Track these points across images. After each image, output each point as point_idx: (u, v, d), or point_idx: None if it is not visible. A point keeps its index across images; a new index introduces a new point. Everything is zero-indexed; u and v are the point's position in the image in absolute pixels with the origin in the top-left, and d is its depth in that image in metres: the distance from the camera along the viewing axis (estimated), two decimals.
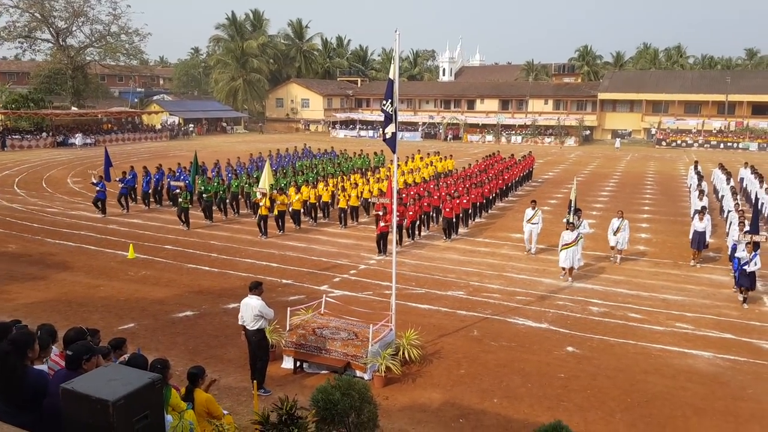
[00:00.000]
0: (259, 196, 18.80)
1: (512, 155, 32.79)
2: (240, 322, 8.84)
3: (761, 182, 22.67)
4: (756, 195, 21.28)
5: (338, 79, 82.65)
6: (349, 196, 20.41)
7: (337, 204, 20.70)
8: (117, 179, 22.59)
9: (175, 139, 59.01)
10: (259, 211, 18.69)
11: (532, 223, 16.92)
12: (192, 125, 65.84)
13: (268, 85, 74.11)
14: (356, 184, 21.61)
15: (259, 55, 71.68)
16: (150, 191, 23.63)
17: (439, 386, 9.09)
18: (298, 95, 74.64)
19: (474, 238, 19.12)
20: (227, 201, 21.94)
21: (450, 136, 64.81)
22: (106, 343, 6.31)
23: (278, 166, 27.55)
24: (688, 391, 9.00)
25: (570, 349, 10.56)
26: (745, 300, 12.87)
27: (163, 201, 24.07)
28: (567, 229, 14.53)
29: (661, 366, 9.90)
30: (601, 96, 64.20)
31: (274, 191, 19.21)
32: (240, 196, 22.66)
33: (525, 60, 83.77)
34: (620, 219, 16.06)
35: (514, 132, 64.20)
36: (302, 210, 20.28)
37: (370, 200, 20.56)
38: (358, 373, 9.02)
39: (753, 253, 12.65)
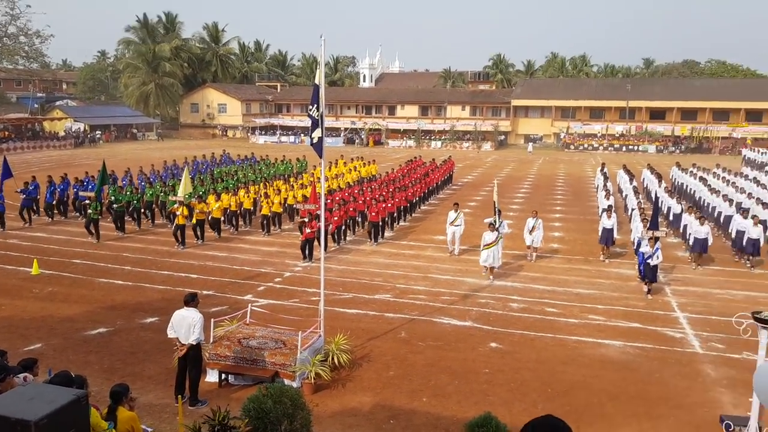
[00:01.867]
0: (176, 205, 18.11)
1: (433, 160, 33.51)
2: (171, 335, 8.47)
3: (660, 182, 24.45)
4: (656, 194, 22.93)
5: (257, 83, 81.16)
6: (272, 203, 20.10)
7: (260, 211, 20.31)
8: (18, 190, 21.03)
9: (80, 147, 55.70)
10: (176, 220, 18.01)
11: (455, 225, 17.38)
12: (99, 132, 62.43)
13: (183, 89, 71.56)
14: (279, 191, 21.33)
15: (172, 58, 69.03)
16: (54, 202, 22.17)
17: (369, 390, 9.13)
18: (214, 100, 72.56)
19: (399, 241, 19.37)
20: (141, 210, 20.99)
21: (360, 141, 65.10)
22: (15, 364, 5.88)
23: (195, 173, 26.70)
24: (603, 379, 9.56)
25: (493, 345, 10.93)
26: (649, 291, 13.83)
27: (68, 212, 22.68)
28: (489, 229, 15.05)
29: (577, 356, 10.45)
30: (515, 102, 66.99)
31: (193, 199, 18.59)
32: (154, 206, 21.73)
33: (442, 67, 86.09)
34: (535, 218, 16.83)
35: (433, 137, 65.66)
36: (222, 218, 19.75)
37: (294, 206, 20.35)
38: (287, 382, 8.89)
39: (655, 247, 13.63)
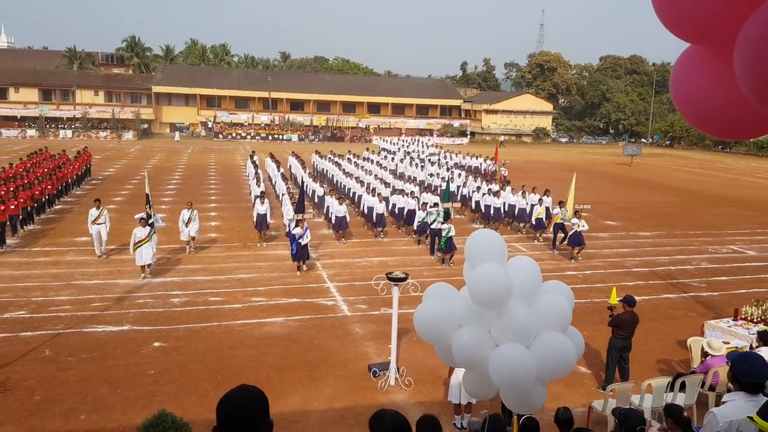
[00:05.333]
0: None
1: (63, 151, 29.43)
2: None
3: (304, 168, 26.73)
4: (301, 179, 25.01)
5: None
6: None
7: None
8: None
9: None
10: None
11: (99, 224, 15.73)
12: None
13: None
14: None
15: None
16: None
17: (10, 422, 7.63)
18: None
19: (29, 248, 16.53)
20: None
21: None
22: None
23: None
24: (269, 355, 10.07)
25: (157, 344, 10.37)
26: (299, 268, 15.06)
27: None
28: (140, 225, 14.07)
29: (244, 339, 10.74)
30: (156, 89, 63.85)
31: None
32: None
33: (65, 46, 75.74)
34: (190, 210, 16.48)
35: (62, 125, 57.67)
36: None
37: None
38: None
39: (305, 227, 14.87)
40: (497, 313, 3.96)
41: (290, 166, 29.46)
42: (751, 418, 3.39)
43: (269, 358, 9.95)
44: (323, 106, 70.15)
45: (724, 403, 4.05)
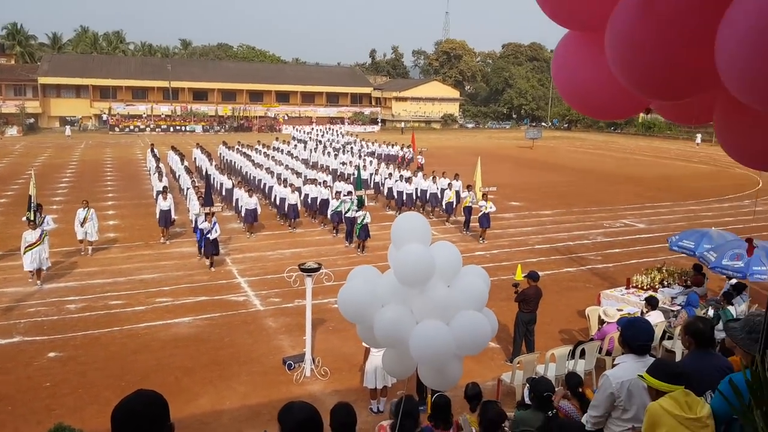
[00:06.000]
0: None
1: None
2: None
3: (210, 160, 25.77)
4: (207, 171, 24.09)
5: None
6: None
7: None
8: None
9: None
10: None
11: None
12: None
13: None
14: None
15: None
16: None
17: None
18: None
19: None
20: None
21: None
22: None
23: None
24: (177, 357, 9.64)
25: (52, 354, 9.65)
26: (211, 264, 14.54)
27: None
28: (29, 228, 13.00)
29: (149, 342, 10.22)
30: (42, 80, 59.16)
31: None
32: None
33: None
34: (86, 209, 15.44)
35: None
36: None
37: None
38: None
39: (213, 222, 14.35)
40: (419, 292, 4.06)
41: (195, 158, 28.31)
42: (641, 376, 3.62)
43: (177, 360, 9.53)
44: (228, 96, 67.92)
45: (616, 365, 4.31)
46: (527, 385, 5.56)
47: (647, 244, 17.48)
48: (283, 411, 2.98)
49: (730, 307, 8.94)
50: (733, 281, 10.02)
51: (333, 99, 74.53)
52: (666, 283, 11.58)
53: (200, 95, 67.41)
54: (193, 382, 8.81)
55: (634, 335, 4.21)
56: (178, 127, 61.07)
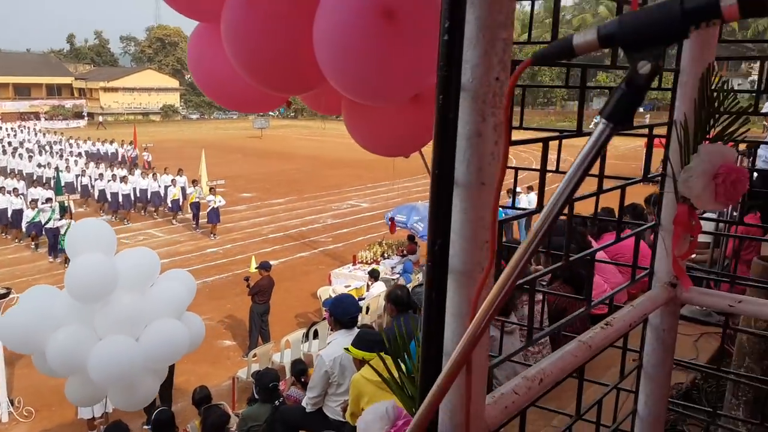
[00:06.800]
0: None
1: None
2: None
3: None
4: None
5: None
6: None
7: None
8: None
9: None
10: None
11: None
12: None
13: None
14: None
15: None
16: None
17: None
18: None
19: None
20: None
21: None
22: None
23: None
24: None
25: None
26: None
27: None
28: None
29: None
30: None
31: None
32: None
33: None
34: None
35: None
36: None
37: None
38: None
39: None
40: (101, 306, 3.54)
41: None
42: (346, 349, 3.73)
43: None
44: None
45: (329, 344, 4.42)
46: (253, 378, 5.43)
47: (371, 222, 18.93)
48: None
49: None
50: None
51: (23, 92, 63.85)
52: (386, 255, 12.67)
53: None
54: None
55: (344, 311, 4.35)
56: None
